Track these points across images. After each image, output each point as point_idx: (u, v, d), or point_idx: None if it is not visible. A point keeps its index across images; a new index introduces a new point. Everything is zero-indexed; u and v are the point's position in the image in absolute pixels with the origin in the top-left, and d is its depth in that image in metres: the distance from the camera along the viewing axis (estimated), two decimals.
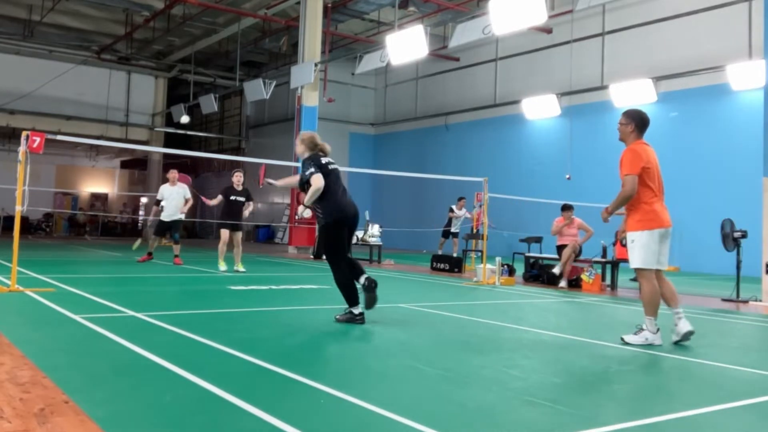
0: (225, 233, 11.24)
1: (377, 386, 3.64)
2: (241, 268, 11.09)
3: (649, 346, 5.06)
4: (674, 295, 5.27)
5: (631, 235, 5.23)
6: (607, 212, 5.43)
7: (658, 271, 5.28)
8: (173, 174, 12.39)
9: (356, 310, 5.79)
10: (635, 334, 5.18)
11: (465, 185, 14.45)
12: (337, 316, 5.86)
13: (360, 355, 4.51)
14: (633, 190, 5.12)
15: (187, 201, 12.29)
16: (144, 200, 31.91)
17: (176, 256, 12.33)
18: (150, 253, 12.50)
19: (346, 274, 5.85)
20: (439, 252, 15.85)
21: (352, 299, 5.80)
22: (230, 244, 11.32)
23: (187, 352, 4.34)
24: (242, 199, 11.22)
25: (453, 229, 16.99)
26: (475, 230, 14.13)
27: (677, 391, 3.77)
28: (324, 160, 5.89)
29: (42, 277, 8.57)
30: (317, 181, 5.66)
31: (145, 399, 3.19)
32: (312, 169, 5.72)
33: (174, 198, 12.15)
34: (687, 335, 5.16)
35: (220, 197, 11.23)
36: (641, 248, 5.16)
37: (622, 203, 5.24)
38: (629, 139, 5.33)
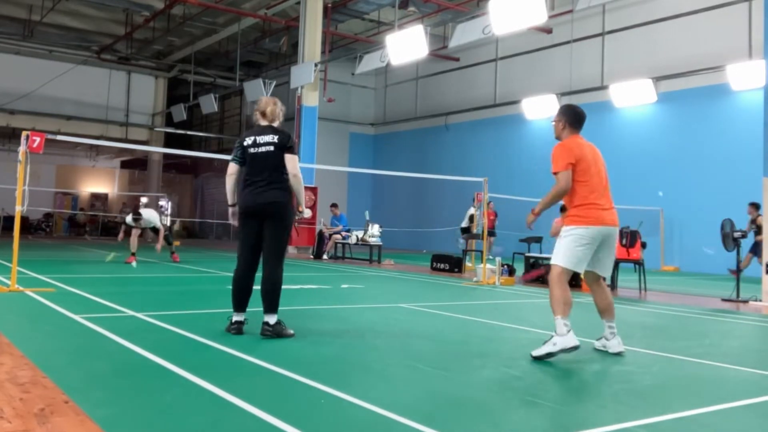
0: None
1: (377, 386, 3.64)
2: None
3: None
4: (610, 307, 4.83)
5: (563, 230, 4.75)
6: (533, 214, 4.92)
7: (598, 279, 4.88)
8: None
9: (235, 317, 5.05)
10: (543, 345, 4.49)
11: (465, 185, 14.47)
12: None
13: (360, 355, 4.51)
14: (567, 186, 4.71)
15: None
16: (144, 199, 31.87)
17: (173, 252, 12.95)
18: (134, 254, 12.16)
19: (237, 272, 5.12)
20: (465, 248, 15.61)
21: (237, 304, 5.07)
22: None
23: (187, 352, 4.34)
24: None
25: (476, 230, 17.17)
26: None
27: (677, 391, 3.77)
28: (248, 141, 5.04)
29: (42, 277, 8.57)
30: (229, 170, 5.11)
31: (145, 399, 3.19)
32: (231, 157, 5.15)
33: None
34: (620, 354, 4.70)
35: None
36: (567, 245, 4.69)
37: (553, 201, 4.80)
38: (562, 136, 5.02)
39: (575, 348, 4.41)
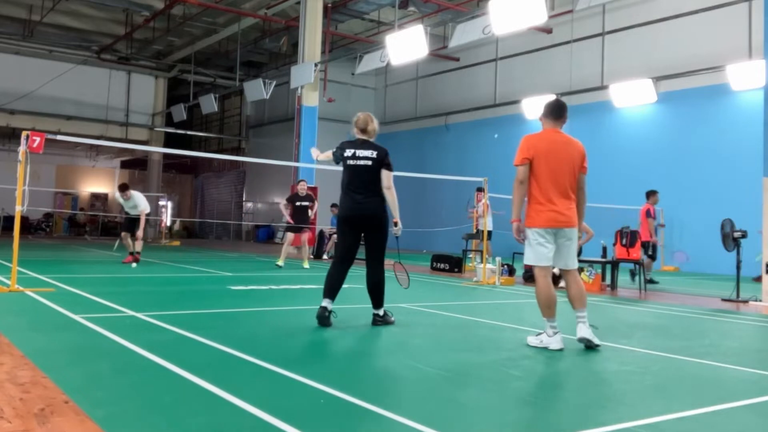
0: (291, 236, 12.41)
1: (377, 386, 3.64)
2: (306, 266, 12.33)
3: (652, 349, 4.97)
4: (580, 297, 4.94)
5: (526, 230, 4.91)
6: (515, 221, 4.97)
7: (568, 271, 5.02)
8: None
9: (323, 303, 5.58)
10: (536, 335, 4.99)
11: (465, 185, 14.46)
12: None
13: (360, 355, 4.51)
14: (518, 182, 4.84)
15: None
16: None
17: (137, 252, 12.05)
18: (131, 253, 11.97)
19: (331, 271, 5.75)
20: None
21: (327, 291, 5.64)
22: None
23: (187, 352, 4.34)
24: (307, 203, 12.48)
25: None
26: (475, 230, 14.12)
27: (677, 391, 3.76)
28: (348, 152, 5.66)
29: (42, 277, 8.57)
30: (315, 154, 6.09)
31: (145, 399, 3.19)
32: (332, 151, 5.90)
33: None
34: (582, 340, 4.88)
35: (288, 206, 12.45)
36: (528, 245, 4.90)
37: (518, 201, 4.89)
38: (543, 128, 5.08)
39: (559, 350, 4.75)
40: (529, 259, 4.95)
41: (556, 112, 5.04)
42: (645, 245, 11.47)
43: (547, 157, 4.85)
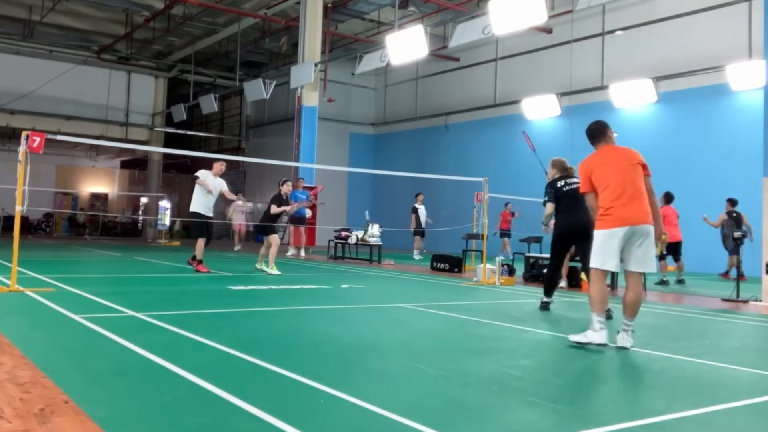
0: (277, 238, 11.14)
1: (377, 386, 3.64)
2: (269, 269, 10.89)
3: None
4: (631, 305, 4.97)
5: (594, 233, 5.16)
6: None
7: (630, 273, 5.06)
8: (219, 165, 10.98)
9: (545, 299, 7.37)
10: (581, 333, 5.05)
11: (465, 185, 14.47)
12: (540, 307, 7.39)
13: (360, 355, 4.51)
14: (593, 206, 5.20)
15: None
16: (144, 200, 31.90)
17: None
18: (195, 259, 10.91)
19: (551, 273, 7.50)
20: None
21: (547, 291, 7.41)
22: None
23: (187, 352, 4.34)
24: (286, 207, 11.43)
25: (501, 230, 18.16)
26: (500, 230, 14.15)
27: (677, 391, 3.76)
28: (560, 184, 7.26)
29: (42, 277, 8.57)
30: (547, 209, 7.37)
31: (145, 399, 3.19)
32: (546, 198, 7.33)
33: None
34: (621, 348, 4.92)
35: (280, 208, 11.09)
36: (597, 248, 5.04)
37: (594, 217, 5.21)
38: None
39: (603, 345, 4.87)
40: (593, 260, 5.13)
41: (594, 134, 5.40)
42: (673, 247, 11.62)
43: (600, 170, 5.17)
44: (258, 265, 11.06)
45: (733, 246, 11.87)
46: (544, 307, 7.35)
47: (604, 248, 4.99)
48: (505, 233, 18.24)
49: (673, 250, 11.90)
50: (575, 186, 6.90)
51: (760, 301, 8.92)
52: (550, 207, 7.30)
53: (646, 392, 3.68)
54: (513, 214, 18.18)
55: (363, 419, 2.97)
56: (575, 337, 5.02)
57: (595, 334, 4.89)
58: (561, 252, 7.41)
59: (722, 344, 5.64)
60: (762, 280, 9.09)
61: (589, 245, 5.70)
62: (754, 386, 3.97)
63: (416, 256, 17.60)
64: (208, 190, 10.55)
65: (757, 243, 9.49)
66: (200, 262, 10.65)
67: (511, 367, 4.18)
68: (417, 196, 18.22)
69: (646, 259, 4.98)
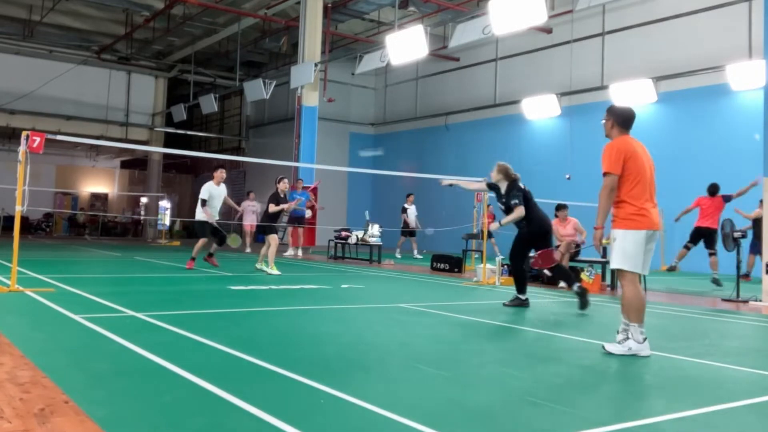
0: (276, 238, 11.19)
1: (377, 386, 3.64)
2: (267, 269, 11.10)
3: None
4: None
5: (614, 233, 4.82)
6: (599, 228, 4.92)
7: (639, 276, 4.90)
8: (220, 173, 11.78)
9: (522, 296, 7.49)
10: (619, 343, 4.73)
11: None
12: (505, 303, 7.53)
13: (360, 355, 4.51)
14: (609, 190, 4.78)
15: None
16: (144, 200, 31.88)
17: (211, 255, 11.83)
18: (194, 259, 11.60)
19: (518, 270, 7.61)
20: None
21: (520, 288, 7.51)
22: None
23: (187, 352, 4.34)
24: (284, 204, 11.35)
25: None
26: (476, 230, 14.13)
27: (677, 391, 3.77)
28: (522, 185, 7.62)
29: (42, 277, 8.57)
30: (520, 211, 7.48)
31: (145, 399, 3.19)
32: (516, 201, 7.49)
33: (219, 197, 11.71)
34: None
35: (278, 206, 11.11)
36: (623, 249, 4.74)
37: (606, 207, 4.80)
38: (612, 135, 5.10)
39: (647, 357, 4.61)
40: (626, 263, 4.75)
41: (629, 120, 5.17)
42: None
43: (638, 161, 4.86)
44: (258, 265, 11.07)
45: (753, 243, 11.92)
46: (519, 303, 7.48)
47: (637, 250, 4.70)
48: (489, 233, 18.26)
49: (701, 238, 11.70)
50: (527, 191, 7.64)
51: (760, 301, 8.92)
52: (521, 210, 7.47)
53: (646, 392, 3.68)
54: (494, 216, 18.10)
55: (363, 419, 2.98)
56: (614, 349, 4.69)
57: (640, 346, 4.63)
58: (526, 253, 7.77)
59: (722, 344, 5.64)
60: (762, 280, 9.10)
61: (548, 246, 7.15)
62: (754, 386, 3.97)
63: (398, 254, 18.16)
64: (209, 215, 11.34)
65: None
66: (192, 259, 11.32)
67: (511, 366, 4.18)
68: (408, 196, 18.38)
69: (650, 260, 4.90)
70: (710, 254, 11.72)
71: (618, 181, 4.79)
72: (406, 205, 18.36)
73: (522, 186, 7.68)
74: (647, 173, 4.86)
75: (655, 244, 4.90)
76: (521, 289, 7.56)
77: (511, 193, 7.60)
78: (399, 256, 17.69)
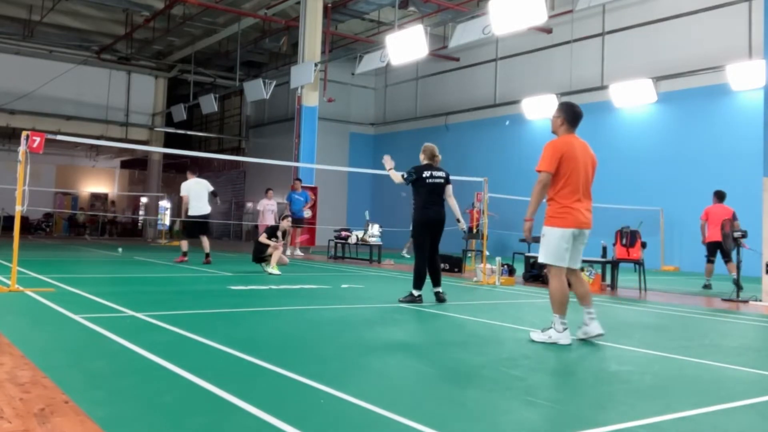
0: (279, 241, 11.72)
1: (377, 386, 3.63)
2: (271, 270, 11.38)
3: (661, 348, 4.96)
4: (587, 294, 5.22)
5: (543, 229, 5.12)
6: (528, 220, 5.20)
7: (572, 270, 5.22)
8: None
9: (416, 293, 7.40)
10: (542, 331, 5.12)
11: (465, 185, 14.45)
12: (400, 298, 7.44)
13: (360, 355, 4.51)
14: (542, 186, 5.03)
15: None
16: (144, 200, 31.90)
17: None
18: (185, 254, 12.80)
19: (420, 264, 7.46)
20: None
21: (417, 284, 7.41)
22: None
23: (187, 352, 4.34)
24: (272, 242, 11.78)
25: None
26: (475, 229, 14.15)
27: (677, 391, 3.76)
28: (425, 174, 7.49)
29: (42, 277, 8.57)
30: (397, 178, 7.68)
31: (145, 399, 3.19)
32: (405, 174, 7.55)
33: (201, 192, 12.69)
34: (596, 337, 5.11)
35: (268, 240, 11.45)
36: (549, 245, 5.07)
37: (536, 202, 5.09)
38: (558, 133, 5.24)
39: (567, 345, 4.95)
40: (549, 257, 5.08)
41: (578, 119, 5.25)
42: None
43: (573, 162, 5.04)
44: (269, 269, 11.11)
45: (734, 246, 11.77)
46: (412, 300, 7.35)
47: (561, 246, 5.03)
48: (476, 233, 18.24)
49: (716, 250, 11.46)
50: (438, 181, 7.50)
51: (760, 301, 8.92)
52: (399, 178, 7.62)
53: (646, 392, 3.68)
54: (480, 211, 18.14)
55: (363, 419, 2.97)
56: (536, 336, 5.08)
57: (559, 335, 4.99)
58: (423, 243, 7.49)
59: (722, 344, 5.64)
60: (762, 280, 9.10)
61: (439, 239, 7.44)
62: (754, 386, 3.97)
63: (405, 254, 17.84)
64: (186, 205, 12.44)
65: (758, 243, 9.48)
66: (184, 254, 12.54)
67: (511, 366, 4.18)
68: None
69: (580, 255, 5.24)
70: (726, 261, 11.55)
71: (552, 179, 5.05)
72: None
73: (425, 174, 7.47)
74: (580, 174, 5.08)
75: (587, 240, 5.21)
76: (417, 284, 7.41)
77: (407, 171, 7.57)
78: (408, 256, 17.63)
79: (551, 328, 5.06)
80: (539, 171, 5.05)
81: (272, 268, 10.83)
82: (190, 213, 12.47)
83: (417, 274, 7.44)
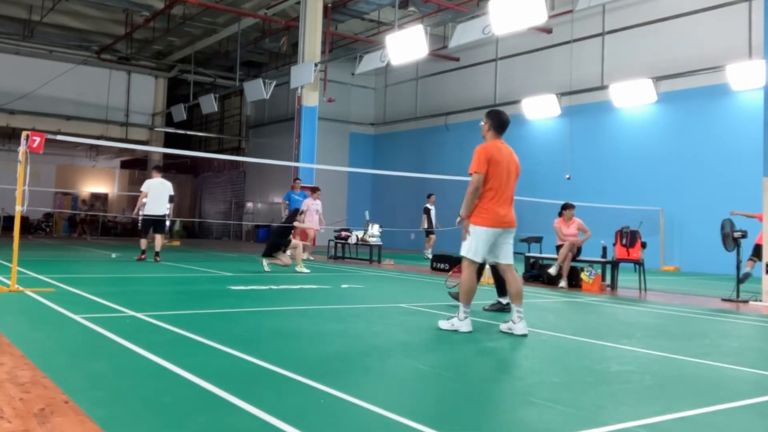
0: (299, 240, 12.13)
1: (377, 386, 3.64)
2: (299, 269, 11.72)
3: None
4: (519, 293, 5.49)
5: (470, 227, 5.45)
6: (463, 218, 5.51)
7: (507, 265, 5.58)
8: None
9: (503, 300, 7.15)
10: (447, 320, 5.56)
11: (465, 185, 14.52)
12: (485, 307, 7.22)
13: (360, 355, 4.51)
14: (474, 188, 5.34)
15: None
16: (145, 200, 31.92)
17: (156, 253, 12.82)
18: (144, 252, 12.83)
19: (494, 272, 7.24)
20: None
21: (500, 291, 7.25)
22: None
23: (187, 352, 4.34)
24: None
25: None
26: None
27: (677, 391, 3.76)
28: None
29: (42, 277, 8.57)
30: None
31: (145, 399, 3.19)
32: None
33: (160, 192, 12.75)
34: (520, 336, 5.33)
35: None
36: (471, 240, 5.43)
37: (471, 202, 5.40)
38: (487, 138, 5.64)
39: (468, 332, 5.37)
40: (469, 252, 5.46)
41: (505, 126, 5.66)
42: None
43: (497, 166, 5.43)
44: (297, 268, 11.45)
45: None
46: (501, 308, 7.25)
47: (480, 243, 5.40)
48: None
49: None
50: None
51: (760, 301, 8.92)
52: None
53: (646, 392, 3.68)
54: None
55: (363, 419, 2.97)
56: (443, 324, 5.53)
57: (461, 323, 5.44)
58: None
59: (722, 344, 5.64)
60: (762, 280, 9.10)
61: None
62: (754, 386, 3.97)
63: (428, 255, 17.59)
64: (142, 202, 12.76)
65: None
66: (143, 252, 12.73)
67: (511, 366, 4.18)
68: (429, 197, 18.20)
69: (511, 253, 5.60)
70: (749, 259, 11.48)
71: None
72: (429, 206, 18.14)
73: None
74: (503, 178, 5.44)
75: (513, 238, 5.61)
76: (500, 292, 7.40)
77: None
78: (430, 256, 17.47)
79: (455, 316, 5.49)
80: (472, 173, 5.39)
81: (300, 267, 11.30)
82: (144, 212, 12.67)
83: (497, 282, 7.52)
